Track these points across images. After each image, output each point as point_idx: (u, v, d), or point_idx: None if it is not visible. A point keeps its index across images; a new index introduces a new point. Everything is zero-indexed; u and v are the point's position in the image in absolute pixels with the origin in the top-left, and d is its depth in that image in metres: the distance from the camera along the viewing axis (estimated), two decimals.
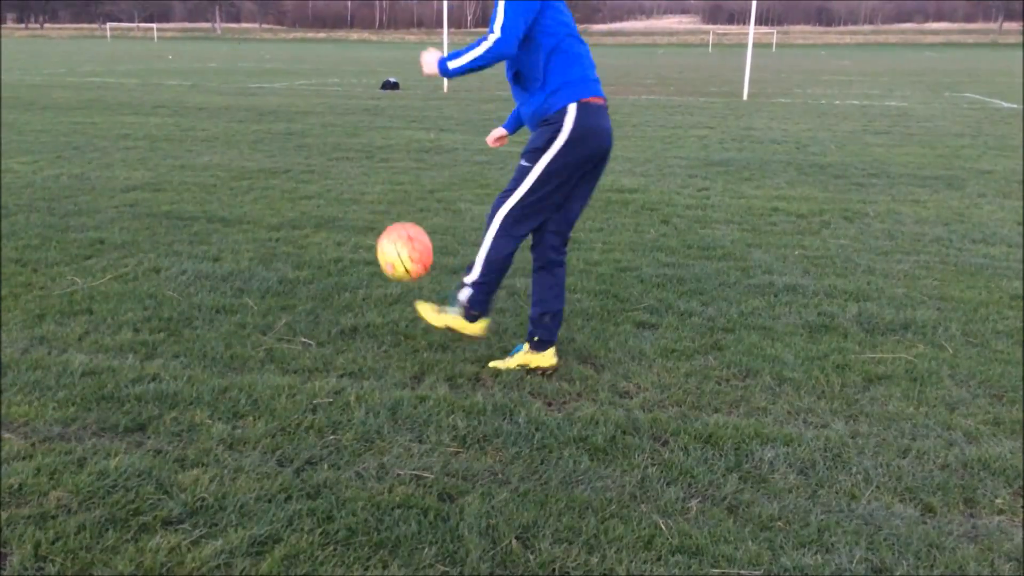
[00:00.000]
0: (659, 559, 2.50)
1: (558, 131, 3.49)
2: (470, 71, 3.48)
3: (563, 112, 3.48)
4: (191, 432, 3.19)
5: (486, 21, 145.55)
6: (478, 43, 3.38)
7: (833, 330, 4.39)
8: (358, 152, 10.51)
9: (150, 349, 3.98)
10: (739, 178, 8.94)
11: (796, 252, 5.93)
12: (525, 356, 3.84)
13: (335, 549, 2.51)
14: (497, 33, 3.36)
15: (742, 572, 2.45)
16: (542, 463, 3.03)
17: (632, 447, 3.14)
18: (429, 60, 3.59)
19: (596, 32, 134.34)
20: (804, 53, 66.54)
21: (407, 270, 3.69)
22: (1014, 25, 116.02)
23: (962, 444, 3.20)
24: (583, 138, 3.51)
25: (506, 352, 3.99)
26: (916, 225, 6.81)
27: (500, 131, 4.09)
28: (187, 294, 4.77)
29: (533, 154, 3.55)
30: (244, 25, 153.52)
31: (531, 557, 2.50)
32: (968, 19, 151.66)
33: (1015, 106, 18.18)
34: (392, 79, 22.40)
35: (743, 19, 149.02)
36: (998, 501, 2.83)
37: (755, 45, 24.41)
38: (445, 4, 22.63)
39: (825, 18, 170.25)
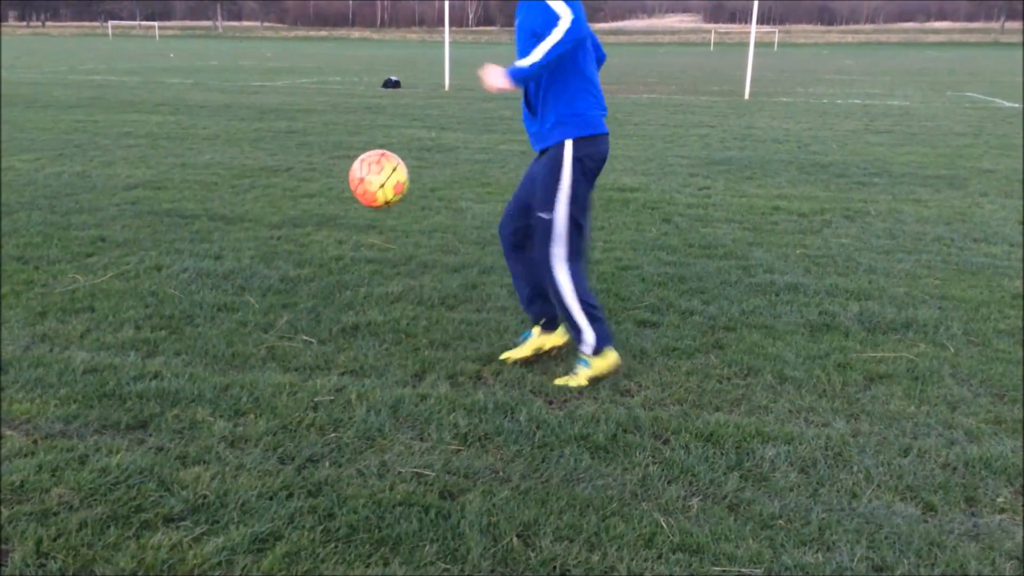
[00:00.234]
0: (660, 557, 2.50)
1: (559, 167, 3.50)
2: (547, 65, 3.28)
3: (561, 147, 3.50)
4: (192, 430, 3.19)
5: (488, 20, 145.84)
6: (547, 35, 3.26)
7: (834, 329, 4.39)
8: (360, 150, 10.51)
9: (151, 347, 3.99)
10: (740, 177, 8.94)
11: (797, 251, 5.93)
12: (538, 340, 3.89)
13: (336, 546, 2.51)
14: (567, 15, 3.25)
15: (743, 570, 2.45)
16: (543, 461, 3.03)
17: (633, 445, 3.14)
18: (494, 74, 3.32)
19: (598, 31, 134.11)
20: (806, 52, 66.52)
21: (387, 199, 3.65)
22: (1016, 24, 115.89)
23: (963, 443, 3.20)
24: (580, 160, 3.52)
25: (506, 350, 3.99)
26: (918, 224, 6.81)
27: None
28: (188, 292, 4.78)
29: (546, 204, 3.55)
30: (246, 23, 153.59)
31: (532, 555, 2.50)
32: (970, 18, 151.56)
33: (1017, 105, 18.16)
34: (394, 78, 22.40)
35: (745, 18, 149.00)
36: (999, 500, 2.83)
37: (757, 44, 24.38)
38: (447, 3, 22.62)
39: (827, 17, 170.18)
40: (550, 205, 3.55)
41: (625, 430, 3.25)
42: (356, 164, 3.69)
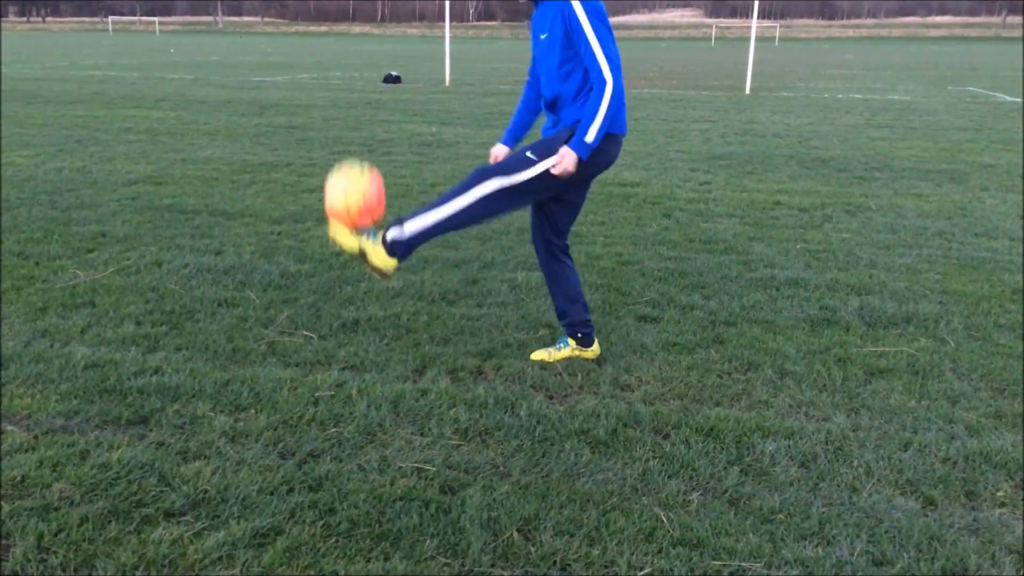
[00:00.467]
0: (660, 551, 2.50)
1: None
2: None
3: None
4: (193, 425, 3.19)
5: (488, 15, 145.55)
6: (596, 101, 3.33)
7: (835, 324, 4.39)
8: (360, 146, 10.51)
9: (152, 342, 3.99)
10: (741, 172, 8.93)
11: (798, 246, 5.92)
12: (573, 352, 3.90)
13: (337, 541, 2.51)
14: (609, 77, 3.33)
15: (743, 564, 2.45)
16: (543, 456, 3.03)
17: (633, 440, 3.14)
18: (568, 156, 3.39)
19: None
20: (807, 47, 66.40)
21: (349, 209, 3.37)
22: (1017, 19, 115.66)
23: (963, 437, 3.20)
24: (591, 162, 3.51)
25: (506, 345, 3.99)
26: (918, 219, 6.80)
27: (501, 150, 3.88)
28: (189, 287, 4.78)
29: (542, 150, 3.50)
30: (246, 19, 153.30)
31: (532, 549, 2.50)
32: (971, 13, 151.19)
33: (1018, 100, 18.14)
34: (394, 73, 22.38)
35: (746, 13, 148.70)
36: (999, 494, 2.84)
37: (758, 39, 24.37)
38: (447, 0, 22.60)
39: (828, 12, 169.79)
40: (541, 154, 3.48)
41: (625, 425, 3.26)
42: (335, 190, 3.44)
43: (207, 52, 41.53)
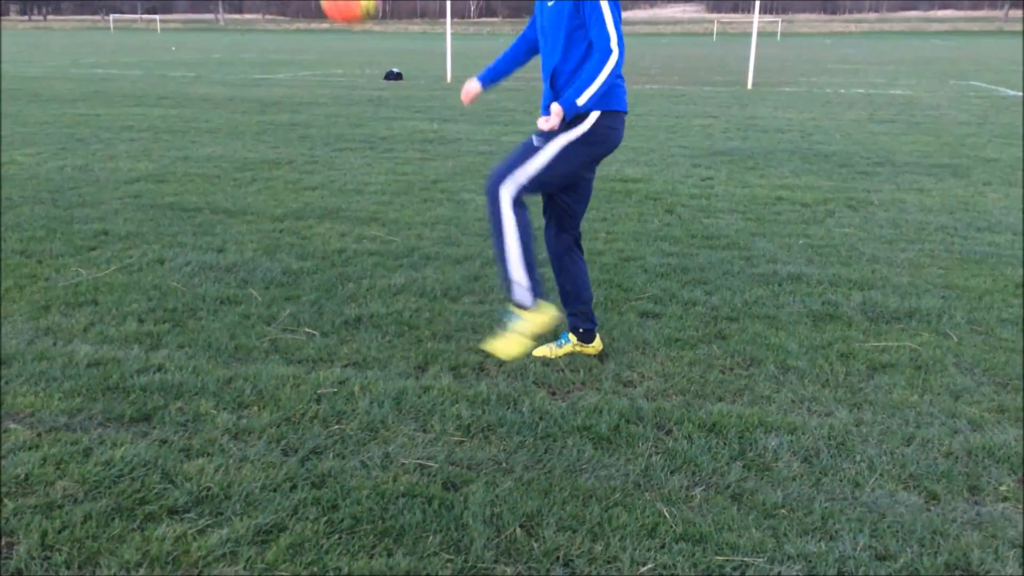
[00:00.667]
0: (663, 547, 2.50)
1: (578, 123, 3.47)
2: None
3: (586, 116, 3.47)
4: (196, 422, 3.20)
5: (490, 12, 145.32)
6: (596, 66, 3.30)
7: (837, 319, 4.38)
8: (361, 143, 10.50)
9: (155, 340, 3.99)
10: (743, 167, 8.92)
11: (800, 241, 5.92)
12: (575, 348, 3.91)
13: (340, 537, 2.52)
14: (615, 48, 3.33)
15: (746, 559, 2.45)
16: (546, 452, 3.03)
17: (636, 436, 3.14)
18: (555, 110, 3.35)
19: None
20: (809, 42, 66.25)
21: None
22: (1019, 13, 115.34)
23: (966, 432, 3.20)
24: (598, 141, 3.51)
25: None
26: (921, 213, 6.79)
27: (475, 87, 3.81)
28: (191, 285, 4.78)
29: (545, 136, 3.50)
30: (247, 16, 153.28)
31: (535, 545, 2.50)
32: (974, 7, 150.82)
33: (1020, 94, 18.09)
34: (395, 70, 22.36)
35: (748, 8, 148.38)
36: (1002, 488, 2.83)
37: (760, 34, 24.36)
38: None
39: (830, 6, 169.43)
40: (548, 139, 3.48)
41: (628, 421, 3.26)
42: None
43: (208, 50, 41.52)
